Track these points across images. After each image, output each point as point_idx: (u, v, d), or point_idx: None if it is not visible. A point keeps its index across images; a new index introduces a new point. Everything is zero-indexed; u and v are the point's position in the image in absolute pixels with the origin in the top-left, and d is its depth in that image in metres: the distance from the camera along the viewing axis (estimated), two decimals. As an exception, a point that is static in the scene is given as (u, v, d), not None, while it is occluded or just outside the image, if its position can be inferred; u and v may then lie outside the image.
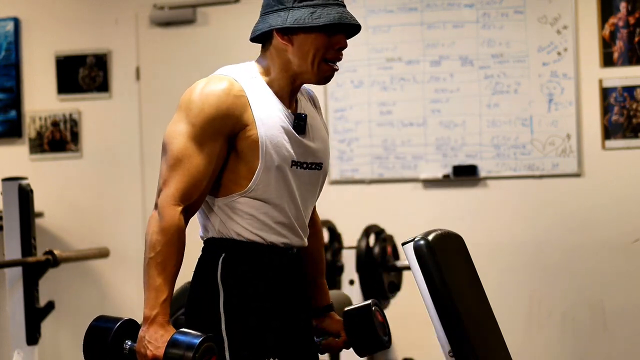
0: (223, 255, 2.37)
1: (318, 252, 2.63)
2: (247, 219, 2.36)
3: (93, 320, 2.41)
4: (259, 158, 2.32)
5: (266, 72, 2.40)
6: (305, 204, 2.44)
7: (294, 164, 2.37)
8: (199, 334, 2.24)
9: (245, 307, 2.35)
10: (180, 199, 2.29)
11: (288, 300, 2.42)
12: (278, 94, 2.39)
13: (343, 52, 2.40)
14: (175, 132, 2.31)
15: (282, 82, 2.39)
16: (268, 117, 2.34)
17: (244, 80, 2.36)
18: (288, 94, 2.41)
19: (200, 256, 2.43)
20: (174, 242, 2.30)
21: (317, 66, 2.37)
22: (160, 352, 2.23)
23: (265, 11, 2.39)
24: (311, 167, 2.43)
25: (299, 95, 2.47)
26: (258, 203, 2.35)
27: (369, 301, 2.60)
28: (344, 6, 2.38)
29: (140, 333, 2.28)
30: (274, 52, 2.39)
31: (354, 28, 2.40)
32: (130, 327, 2.34)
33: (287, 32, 2.35)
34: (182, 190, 2.29)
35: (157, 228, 2.31)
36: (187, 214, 2.32)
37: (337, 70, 2.41)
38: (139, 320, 2.35)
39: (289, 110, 2.40)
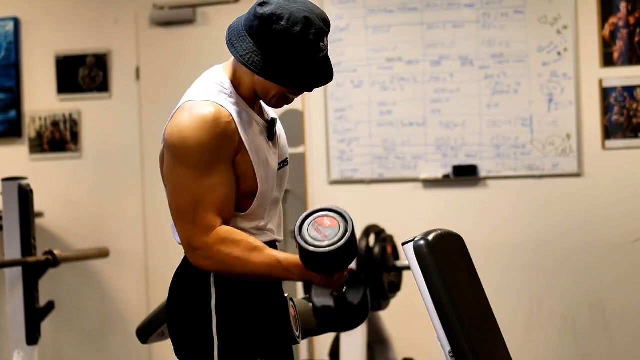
0: None
1: None
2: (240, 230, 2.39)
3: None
4: (257, 183, 2.35)
5: (238, 80, 2.38)
6: (281, 199, 2.52)
7: (277, 171, 2.44)
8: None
9: (237, 307, 2.36)
10: (213, 224, 2.29)
11: (276, 297, 2.45)
12: (251, 104, 2.39)
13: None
14: (182, 181, 2.30)
15: (251, 93, 2.38)
16: (253, 138, 2.35)
17: (224, 101, 2.33)
18: (255, 102, 2.41)
19: (185, 260, 2.42)
20: (236, 241, 2.29)
21: (276, 102, 2.38)
22: (308, 276, 2.30)
23: (248, 30, 2.33)
24: (283, 165, 2.48)
25: None
26: (252, 222, 2.39)
27: (285, 294, 2.58)
28: (325, 49, 2.31)
29: (315, 282, 2.32)
30: (243, 67, 2.36)
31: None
32: None
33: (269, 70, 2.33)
34: (211, 220, 2.29)
35: (219, 256, 2.30)
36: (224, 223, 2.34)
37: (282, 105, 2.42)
38: None
39: (261, 119, 2.42)
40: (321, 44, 2.29)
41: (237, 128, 2.31)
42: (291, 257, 2.31)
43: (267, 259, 2.30)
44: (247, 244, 2.30)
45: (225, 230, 2.30)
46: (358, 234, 4.74)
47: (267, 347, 2.39)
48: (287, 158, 2.51)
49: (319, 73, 2.32)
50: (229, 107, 2.33)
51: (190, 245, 2.32)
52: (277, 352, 2.43)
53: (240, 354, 2.35)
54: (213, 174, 2.28)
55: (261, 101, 2.44)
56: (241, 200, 2.36)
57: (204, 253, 2.31)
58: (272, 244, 2.43)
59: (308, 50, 2.27)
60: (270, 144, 2.42)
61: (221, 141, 2.28)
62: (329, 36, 2.35)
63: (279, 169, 2.45)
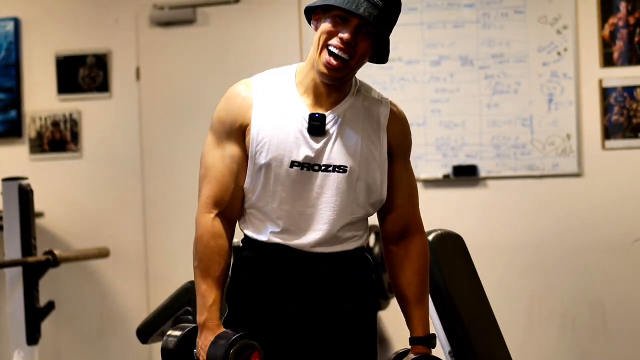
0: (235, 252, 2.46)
1: (405, 277, 2.53)
2: (248, 219, 2.42)
3: (169, 330, 2.46)
4: (249, 156, 2.37)
5: (299, 74, 2.42)
6: (325, 208, 2.39)
7: (296, 164, 2.35)
8: (234, 333, 2.31)
9: (236, 299, 2.43)
10: (212, 205, 2.37)
11: (284, 299, 2.40)
12: (306, 93, 2.39)
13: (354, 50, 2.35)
14: (206, 144, 2.42)
15: (307, 80, 2.40)
16: (271, 116, 2.36)
17: (265, 81, 2.40)
18: (315, 93, 2.39)
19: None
20: (211, 248, 2.36)
21: (320, 52, 2.34)
22: (204, 340, 2.34)
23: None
24: (328, 169, 2.38)
25: (354, 98, 2.47)
26: (252, 202, 2.40)
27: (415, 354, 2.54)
28: (374, 4, 2.36)
29: (197, 340, 2.36)
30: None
31: (366, 21, 2.34)
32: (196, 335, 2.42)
33: (311, 15, 2.40)
34: (212, 197, 2.37)
35: (195, 238, 2.39)
36: (224, 219, 2.39)
37: (335, 65, 2.33)
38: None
39: (307, 109, 2.38)
40: None
41: (252, 103, 2.36)
42: (215, 320, 2.35)
43: (199, 293, 2.36)
44: (204, 261, 2.36)
45: (209, 227, 2.36)
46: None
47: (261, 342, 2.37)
48: (343, 166, 2.38)
49: (356, 2, 2.32)
50: (263, 84, 2.39)
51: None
52: (276, 349, 2.39)
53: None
54: (225, 146, 2.37)
55: (352, 99, 2.45)
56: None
57: (196, 222, 2.40)
58: (279, 247, 2.39)
59: None
60: (310, 137, 2.35)
61: (232, 117, 2.37)
62: None
63: (319, 170, 2.37)
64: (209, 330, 2.33)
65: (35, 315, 4.29)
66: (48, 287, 5.08)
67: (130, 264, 5.62)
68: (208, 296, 2.34)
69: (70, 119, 5.73)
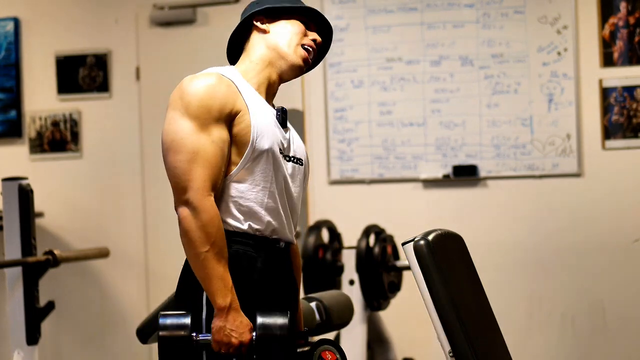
0: None
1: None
2: (233, 204, 2.38)
3: (160, 317, 2.34)
4: (249, 141, 2.37)
5: (245, 73, 2.49)
6: (294, 199, 2.49)
7: (281, 152, 2.43)
8: (280, 313, 2.28)
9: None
10: (211, 188, 2.32)
11: (268, 296, 2.41)
12: (259, 90, 2.48)
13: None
14: (181, 129, 2.35)
15: (260, 78, 2.49)
16: (258, 105, 2.42)
17: (229, 75, 2.45)
18: (267, 90, 2.50)
19: None
20: (222, 230, 2.33)
21: (295, 48, 2.50)
22: (246, 337, 2.27)
23: (243, 17, 2.61)
24: (294, 160, 2.49)
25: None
26: (245, 186, 2.38)
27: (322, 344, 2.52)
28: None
29: (218, 323, 2.28)
30: (250, 49, 2.52)
31: (325, 27, 2.58)
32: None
33: (269, 15, 2.54)
34: (209, 180, 2.32)
35: (200, 222, 2.31)
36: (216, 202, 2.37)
37: (311, 59, 2.55)
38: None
39: (270, 105, 2.49)
40: None
41: (239, 91, 2.40)
42: (235, 299, 2.30)
43: (217, 277, 2.30)
44: (217, 244, 2.30)
45: (215, 210, 2.32)
46: (358, 233, 4.74)
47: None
48: (301, 159, 2.53)
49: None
50: (232, 77, 2.44)
51: (181, 198, 2.33)
52: None
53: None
54: (211, 130, 2.34)
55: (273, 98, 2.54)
56: (234, 163, 2.39)
57: (192, 208, 2.31)
58: (265, 241, 2.40)
59: None
60: (282, 129, 2.47)
61: (221, 102, 2.36)
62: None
63: (290, 161, 2.47)
64: (236, 312, 2.28)
65: (35, 315, 4.28)
66: (48, 287, 5.08)
67: (130, 264, 5.62)
68: (227, 278, 2.30)
69: (70, 119, 5.73)
